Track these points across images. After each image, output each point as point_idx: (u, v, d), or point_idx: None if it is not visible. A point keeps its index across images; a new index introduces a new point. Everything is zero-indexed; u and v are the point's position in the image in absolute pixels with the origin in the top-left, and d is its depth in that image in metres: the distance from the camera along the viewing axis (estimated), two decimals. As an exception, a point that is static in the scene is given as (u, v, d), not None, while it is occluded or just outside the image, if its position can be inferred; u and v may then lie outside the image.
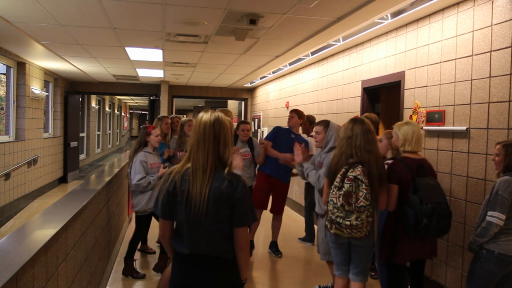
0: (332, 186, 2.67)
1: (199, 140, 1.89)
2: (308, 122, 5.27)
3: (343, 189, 2.58)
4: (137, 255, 4.43)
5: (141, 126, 4.42)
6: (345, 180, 2.60)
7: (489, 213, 2.49)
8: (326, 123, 3.41)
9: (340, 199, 2.58)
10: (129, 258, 4.05)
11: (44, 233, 2.12)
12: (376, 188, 2.69)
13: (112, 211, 4.45)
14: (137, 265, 4.24)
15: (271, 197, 4.86)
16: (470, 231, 3.25)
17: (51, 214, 2.58)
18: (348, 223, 2.56)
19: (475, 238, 2.58)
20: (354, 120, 2.84)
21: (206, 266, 1.89)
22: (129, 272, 4.02)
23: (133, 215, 4.67)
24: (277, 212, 4.88)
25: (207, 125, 1.90)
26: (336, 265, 2.95)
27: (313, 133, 3.69)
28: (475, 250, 2.61)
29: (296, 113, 4.85)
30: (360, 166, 2.63)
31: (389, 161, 3.14)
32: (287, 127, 4.89)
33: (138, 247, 4.53)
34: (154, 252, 4.77)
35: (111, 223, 4.36)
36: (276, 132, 4.81)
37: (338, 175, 2.65)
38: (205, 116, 1.93)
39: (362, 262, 2.84)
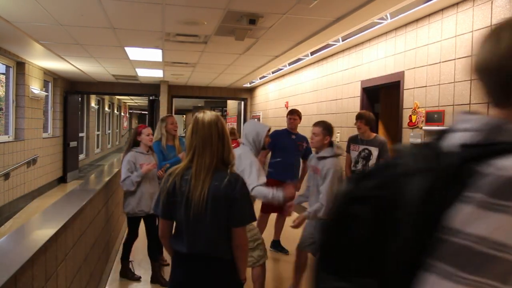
0: None
1: (205, 141, 1.86)
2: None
3: None
4: (132, 257, 4.35)
5: (132, 128, 4.34)
6: None
7: None
8: (325, 126, 3.28)
9: None
10: (124, 260, 4.04)
11: (43, 233, 2.11)
12: None
13: (111, 211, 4.45)
14: (133, 266, 4.19)
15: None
16: (470, 231, 3.25)
17: (50, 214, 2.58)
18: None
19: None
20: None
21: (205, 266, 1.89)
22: (125, 273, 4.02)
23: None
24: (282, 212, 4.84)
25: (212, 125, 1.88)
26: None
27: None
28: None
29: (298, 116, 4.82)
30: None
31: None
32: (286, 129, 4.83)
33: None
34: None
35: (110, 223, 4.36)
36: (274, 136, 4.47)
37: None
38: (207, 116, 1.90)
39: None
